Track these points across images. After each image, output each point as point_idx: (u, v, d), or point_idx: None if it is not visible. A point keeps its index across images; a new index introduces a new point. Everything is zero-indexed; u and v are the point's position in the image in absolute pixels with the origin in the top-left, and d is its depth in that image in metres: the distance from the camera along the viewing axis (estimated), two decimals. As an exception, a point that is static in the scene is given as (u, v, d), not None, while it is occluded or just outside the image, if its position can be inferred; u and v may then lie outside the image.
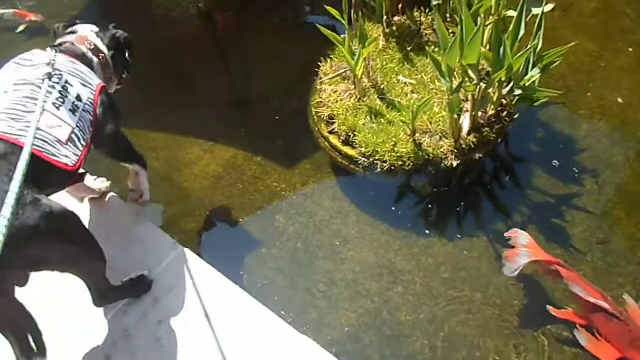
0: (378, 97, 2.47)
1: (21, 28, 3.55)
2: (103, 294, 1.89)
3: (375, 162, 2.36)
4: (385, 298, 2.22)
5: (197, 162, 2.73)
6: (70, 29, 2.13)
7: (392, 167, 2.34)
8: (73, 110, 1.79)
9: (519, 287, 2.21)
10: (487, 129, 2.33)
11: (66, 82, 1.83)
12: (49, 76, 1.77)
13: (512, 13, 2.15)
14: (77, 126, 1.79)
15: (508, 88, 2.24)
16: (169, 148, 2.83)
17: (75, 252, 1.70)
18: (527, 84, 2.14)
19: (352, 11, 2.40)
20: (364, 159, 2.39)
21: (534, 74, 2.11)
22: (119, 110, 2.06)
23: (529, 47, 2.00)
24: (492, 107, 2.31)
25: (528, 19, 2.11)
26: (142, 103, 3.01)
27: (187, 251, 2.16)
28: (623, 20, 2.99)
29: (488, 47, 2.28)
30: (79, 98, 1.83)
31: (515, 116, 2.41)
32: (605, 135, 2.60)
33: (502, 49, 2.02)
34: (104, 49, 2.11)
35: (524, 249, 2.09)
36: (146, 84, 3.13)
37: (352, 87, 2.50)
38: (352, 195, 2.54)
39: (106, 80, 2.09)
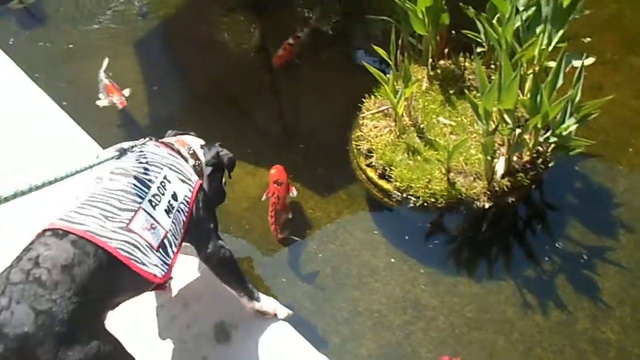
0: (417, 135, 2.54)
1: (100, 104, 3.19)
2: None
3: (409, 197, 2.42)
4: (407, 332, 2.25)
5: (240, 182, 2.84)
6: (177, 134, 2.08)
7: (425, 203, 2.39)
8: (167, 211, 1.62)
9: (544, 334, 2.20)
10: (521, 174, 2.35)
11: (165, 177, 1.70)
12: (121, 152, 1.68)
13: (553, 64, 2.20)
14: (170, 230, 1.61)
15: (545, 136, 2.27)
16: (214, 168, 2.96)
17: None
18: (563, 133, 2.17)
19: (399, 52, 2.51)
20: (397, 193, 2.45)
21: (570, 123, 2.14)
22: (214, 209, 1.95)
23: (565, 96, 2.04)
24: (528, 152, 2.34)
25: (567, 70, 2.16)
26: (196, 124, 3.17)
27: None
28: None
29: (529, 96, 2.33)
30: (174, 196, 1.68)
31: (551, 164, 2.43)
32: (644, 192, 2.59)
33: (539, 97, 2.07)
34: (202, 158, 1.99)
35: None
36: (202, 106, 3.34)
37: (393, 123, 2.58)
38: (383, 228, 2.60)
39: None
